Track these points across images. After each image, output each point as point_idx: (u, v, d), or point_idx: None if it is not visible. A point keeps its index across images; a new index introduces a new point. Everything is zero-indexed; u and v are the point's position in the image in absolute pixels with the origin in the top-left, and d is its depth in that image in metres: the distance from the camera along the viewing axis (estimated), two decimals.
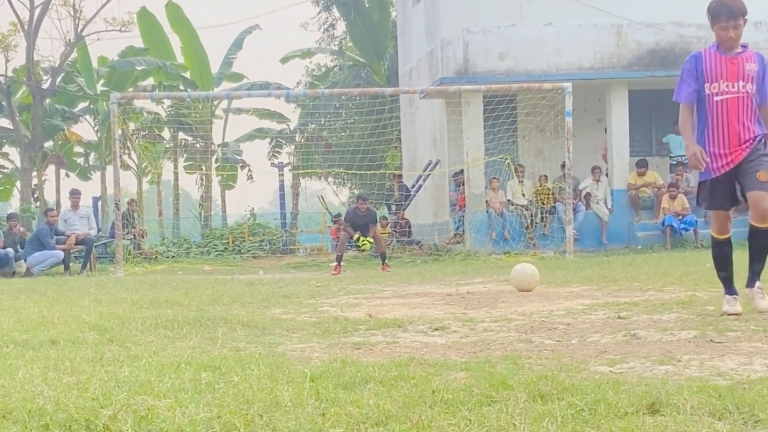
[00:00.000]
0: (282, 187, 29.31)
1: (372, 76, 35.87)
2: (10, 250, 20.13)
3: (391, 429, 3.55)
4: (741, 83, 7.43)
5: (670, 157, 23.97)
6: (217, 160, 35.24)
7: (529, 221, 22.54)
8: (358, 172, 28.01)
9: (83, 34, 31.08)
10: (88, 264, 20.55)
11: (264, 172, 35.03)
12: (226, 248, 25.48)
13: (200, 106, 33.48)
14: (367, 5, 34.65)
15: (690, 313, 7.55)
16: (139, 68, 32.47)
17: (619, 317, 7.53)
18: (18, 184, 34.48)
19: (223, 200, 37.09)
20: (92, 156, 37.74)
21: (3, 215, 26.88)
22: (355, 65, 37.67)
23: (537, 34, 22.71)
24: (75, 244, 20.56)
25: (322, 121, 38.05)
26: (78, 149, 37.86)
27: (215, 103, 34.03)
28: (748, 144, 7.38)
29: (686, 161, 23.41)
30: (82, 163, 37.68)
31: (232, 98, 32.54)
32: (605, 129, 24.06)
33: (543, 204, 22.71)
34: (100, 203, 32.26)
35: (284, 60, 36.07)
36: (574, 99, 20.81)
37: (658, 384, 4.29)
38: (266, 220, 29.72)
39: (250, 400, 4.05)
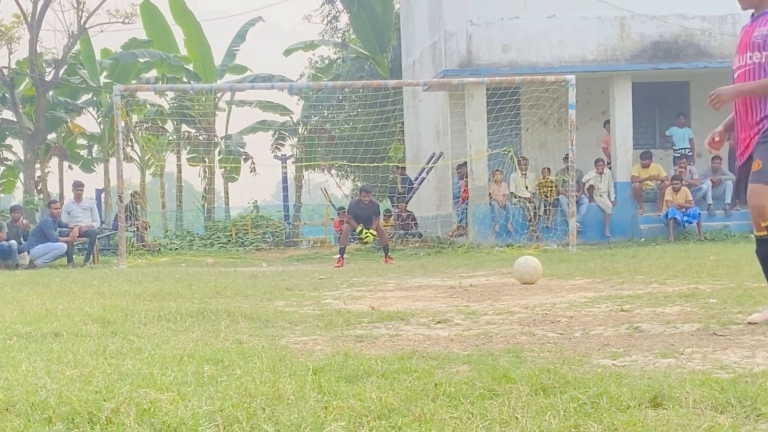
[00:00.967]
0: (285, 180, 29.31)
1: (375, 69, 35.84)
2: (13, 242, 20.12)
3: (393, 422, 3.55)
4: (748, 54, 6.45)
5: (674, 149, 23.93)
6: (220, 153, 35.23)
7: (532, 214, 22.52)
8: (361, 165, 28.00)
9: (86, 26, 31.12)
10: (91, 256, 20.55)
11: (267, 164, 34.92)
12: (229, 240, 25.50)
13: (203, 99, 33.47)
14: None
15: (693, 306, 7.54)
16: (142, 60, 32.48)
17: (621, 310, 7.54)
18: (21, 176, 34.53)
19: (226, 192, 37.10)
20: (95, 148, 37.74)
21: (6, 207, 26.89)
22: (358, 57, 37.63)
23: (540, 26, 22.67)
24: (78, 237, 20.56)
25: (325, 114, 38.03)
26: (81, 141, 37.87)
27: (218, 95, 34.02)
28: (759, 128, 6.41)
29: (689, 154, 23.44)
30: (85, 156, 37.69)
31: (235, 90, 32.49)
32: (604, 123, 24.01)
33: (546, 197, 22.69)
34: (103, 195, 32.27)
35: (287, 52, 36.02)
36: (577, 91, 20.79)
37: (660, 377, 4.29)
38: (269, 213, 29.75)
39: (252, 393, 4.05)
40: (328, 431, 3.43)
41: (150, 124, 35.49)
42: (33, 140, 30.49)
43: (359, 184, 32.62)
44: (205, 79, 32.58)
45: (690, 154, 23.69)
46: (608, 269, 12.49)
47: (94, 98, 34.90)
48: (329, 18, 42.57)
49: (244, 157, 35.62)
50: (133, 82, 32.33)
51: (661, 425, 3.39)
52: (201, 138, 34.58)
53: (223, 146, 35.18)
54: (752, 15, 6.53)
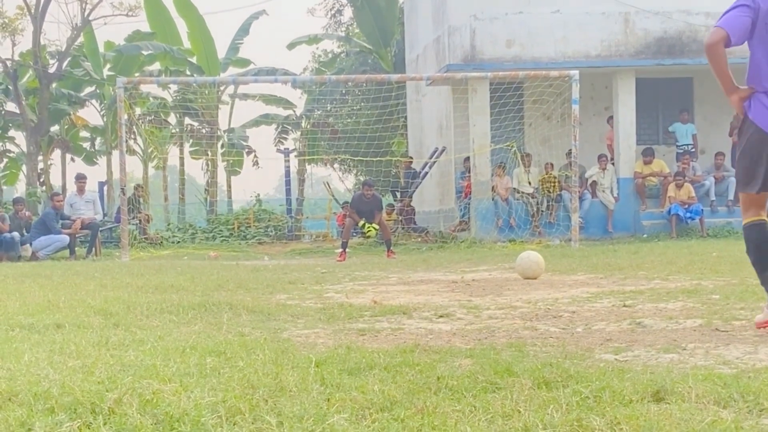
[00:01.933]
0: (288, 173, 29.30)
1: (379, 63, 35.81)
2: (15, 234, 20.13)
3: (395, 415, 3.55)
4: None
5: (677, 146, 23.91)
6: (223, 146, 35.22)
7: (534, 209, 22.51)
8: (364, 159, 27.96)
9: (90, 18, 31.06)
10: (94, 248, 20.56)
11: (270, 158, 35.07)
12: (232, 234, 25.49)
13: (206, 92, 33.45)
14: None
15: (695, 302, 7.54)
16: (145, 53, 32.46)
17: (624, 305, 7.53)
18: (24, 168, 34.53)
19: (229, 186, 37.10)
20: (98, 141, 37.73)
21: (9, 199, 26.88)
22: (361, 51, 37.60)
23: (544, 21, 22.64)
24: (80, 229, 20.58)
25: (329, 108, 38.01)
26: (84, 134, 37.85)
27: (221, 88, 33.98)
28: None
29: (692, 150, 23.41)
30: (88, 148, 37.67)
31: (238, 84, 32.46)
32: (608, 119, 24.00)
33: (549, 192, 22.68)
34: (105, 188, 32.26)
35: (291, 46, 35.99)
36: (581, 87, 20.77)
37: (663, 372, 4.29)
38: (272, 206, 29.72)
39: (255, 384, 4.06)
40: (330, 423, 3.43)
41: (153, 116, 35.47)
42: (36, 132, 30.47)
43: (362, 178, 32.58)
44: (209, 72, 32.56)
45: (693, 150, 23.68)
46: (611, 265, 12.48)
47: (98, 91, 34.87)
48: (333, 12, 42.57)
49: (246, 150, 35.62)
50: (137, 74, 32.31)
51: (664, 419, 3.39)
52: (204, 131, 34.55)
53: (226, 139, 35.17)
54: None
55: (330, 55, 42.32)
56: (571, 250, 17.69)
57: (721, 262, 12.03)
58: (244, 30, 35.63)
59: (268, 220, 26.67)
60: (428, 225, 25.22)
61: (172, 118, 36.58)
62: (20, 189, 39.87)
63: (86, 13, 30.84)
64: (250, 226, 26.08)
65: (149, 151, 36.02)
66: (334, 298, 8.80)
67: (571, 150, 21.08)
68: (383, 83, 27.30)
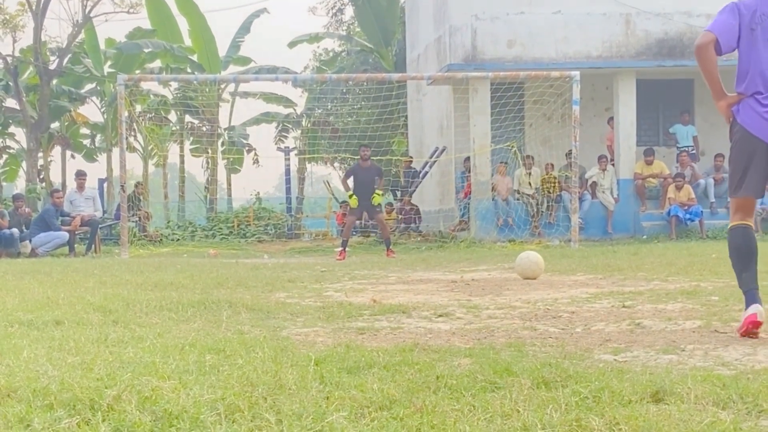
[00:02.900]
0: (288, 172, 29.31)
1: (379, 62, 35.81)
2: (15, 230, 20.13)
3: (394, 413, 3.55)
4: None
5: (677, 147, 23.93)
6: (223, 144, 35.22)
7: (534, 209, 22.52)
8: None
9: (91, 15, 31.05)
10: (93, 245, 20.57)
11: (270, 156, 34.94)
12: (231, 232, 25.51)
13: (207, 90, 33.45)
14: None
15: (694, 303, 7.54)
16: (146, 50, 32.45)
17: (623, 306, 7.53)
18: (24, 164, 34.55)
19: (229, 184, 37.11)
20: (98, 138, 37.75)
21: (9, 196, 26.90)
22: (362, 51, 37.60)
23: (545, 21, 22.65)
24: (80, 226, 20.58)
25: (329, 106, 38.01)
26: (84, 131, 37.87)
27: (222, 86, 33.98)
28: None
29: (693, 151, 23.41)
30: (88, 145, 37.69)
31: (239, 82, 32.42)
32: (608, 120, 24.02)
33: (549, 192, 22.68)
34: (105, 185, 32.27)
35: (292, 44, 35.98)
36: (581, 88, 20.78)
37: (662, 373, 4.30)
38: (272, 205, 29.74)
39: (254, 382, 4.06)
40: (329, 421, 3.43)
41: (153, 114, 35.49)
42: (36, 129, 30.46)
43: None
44: (209, 70, 32.56)
45: (693, 151, 23.69)
46: (610, 266, 12.48)
47: (98, 88, 34.90)
48: (334, 11, 42.58)
49: (247, 148, 35.61)
50: (137, 72, 32.30)
51: (663, 420, 3.39)
52: (204, 129, 34.55)
53: (227, 137, 35.17)
54: None
55: (331, 54, 42.33)
56: (570, 251, 17.69)
57: (721, 263, 12.02)
58: (245, 28, 35.63)
59: (268, 219, 26.69)
60: (428, 224, 25.22)
61: (173, 116, 36.60)
62: (20, 185, 39.88)
63: (87, 10, 30.83)
64: (249, 225, 26.09)
65: (149, 148, 36.05)
66: (334, 297, 8.80)
67: (571, 150, 21.09)
68: (384, 82, 27.32)
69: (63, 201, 21.08)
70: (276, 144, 35.75)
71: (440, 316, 7.18)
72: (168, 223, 29.00)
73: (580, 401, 3.70)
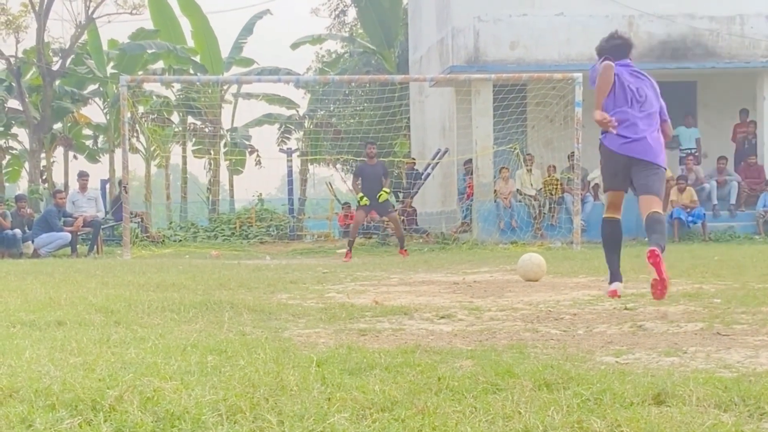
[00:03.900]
0: (290, 173, 29.31)
1: (382, 63, 35.82)
2: (17, 231, 20.16)
3: (396, 415, 3.55)
4: None
5: (680, 149, 23.93)
6: (225, 145, 35.26)
7: (537, 211, 22.51)
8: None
9: (94, 16, 31.07)
10: (95, 246, 20.58)
11: (272, 157, 34.89)
12: (234, 233, 25.52)
13: (210, 91, 33.47)
14: None
15: (697, 306, 7.54)
16: (149, 51, 32.49)
17: (625, 308, 7.53)
18: (26, 165, 34.55)
19: (231, 185, 37.13)
20: (101, 138, 37.78)
21: (11, 196, 26.92)
22: (365, 52, 37.60)
23: (548, 23, 22.66)
24: (82, 227, 20.59)
25: (332, 108, 38.02)
26: (87, 131, 37.90)
27: (225, 87, 34.00)
28: None
29: (696, 154, 23.43)
30: (90, 146, 37.72)
31: (241, 83, 32.45)
32: None
33: (551, 194, 22.68)
34: (108, 186, 32.29)
35: (294, 46, 36.00)
36: (584, 89, 20.76)
37: (664, 375, 4.29)
38: (274, 206, 29.76)
39: (256, 383, 4.06)
40: (331, 422, 3.43)
41: (156, 115, 35.51)
42: (39, 130, 30.49)
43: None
44: (212, 71, 32.59)
45: (696, 154, 23.68)
46: None
47: (101, 88, 34.92)
48: (337, 12, 42.64)
49: (249, 149, 35.63)
50: (140, 73, 32.34)
51: (665, 422, 3.39)
52: (207, 130, 34.58)
53: (229, 139, 35.21)
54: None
55: (333, 56, 42.35)
56: (572, 253, 17.69)
57: (723, 266, 12.03)
58: (247, 29, 35.67)
59: (270, 220, 26.69)
60: (430, 226, 25.21)
61: (175, 117, 36.63)
62: (22, 186, 39.90)
63: (90, 11, 30.85)
64: (252, 226, 26.10)
65: (152, 149, 36.06)
66: (336, 298, 8.80)
67: (573, 152, 21.08)
68: (386, 84, 27.33)
69: (65, 202, 21.09)
70: (278, 145, 35.79)
71: (442, 317, 7.18)
72: (170, 224, 29.02)
73: (581, 403, 3.70)
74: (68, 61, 32.05)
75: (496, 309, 7.75)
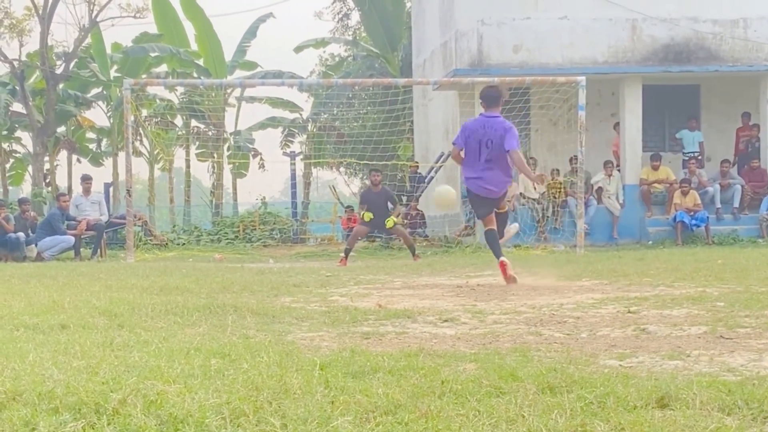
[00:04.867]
0: (293, 177, 29.32)
1: (386, 67, 35.84)
2: (21, 234, 20.17)
3: (400, 418, 3.55)
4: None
5: (683, 152, 23.92)
6: (229, 148, 35.28)
7: (540, 215, 22.51)
8: (370, 163, 27.97)
9: (97, 19, 31.12)
10: (99, 250, 20.59)
11: (276, 161, 34.98)
12: (237, 236, 25.52)
13: (213, 94, 33.50)
14: None
15: (700, 309, 7.53)
16: (152, 55, 32.51)
17: (629, 312, 7.52)
18: (30, 168, 34.57)
19: (235, 188, 37.17)
20: (104, 142, 37.81)
21: (15, 199, 26.93)
22: (368, 55, 37.63)
23: (552, 27, 22.66)
24: (86, 230, 20.59)
25: (335, 111, 38.05)
26: (90, 135, 37.93)
27: (228, 91, 34.04)
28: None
29: (699, 157, 23.47)
30: (94, 149, 37.75)
31: (245, 86, 32.53)
32: (614, 125, 24.03)
33: (555, 198, 22.68)
34: (111, 189, 32.31)
35: (298, 49, 36.04)
36: (587, 93, 20.74)
37: (667, 378, 4.29)
38: (277, 209, 29.73)
39: (259, 386, 4.06)
40: (335, 426, 3.43)
41: (159, 118, 35.53)
42: (42, 133, 30.52)
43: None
44: (216, 75, 32.62)
45: (700, 157, 23.67)
46: (616, 271, 12.46)
47: (104, 92, 34.95)
48: (340, 15, 42.65)
49: (252, 153, 35.65)
50: (144, 76, 32.37)
51: (668, 426, 3.39)
52: (210, 133, 34.61)
53: (232, 142, 35.22)
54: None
55: (337, 59, 42.39)
56: (576, 256, 17.68)
57: (726, 269, 12.01)
58: (251, 33, 35.69)
59: (274, 223, 26.68)
60: (433, 229, 25.21)
61: (179, 120, 36.67)
62: (26, 189, 39.93)
63: (94, 15, 30.90)
64: (255, 229, 26.10)
65: (155, 152, 36.09)
66: (339, 302, 8.79)
67: (576, 156, 21.07)
68: (390, 87, 27.34)
69: (69, 205, 21.11)
70: (282, 148, 35.81)
71: (445, 321, 7.18)
72: (173, 227, 29.03)
73: (585, 406, 3.70)
74: (72, 64, 32.09)
75: (499, 312, 7.75)
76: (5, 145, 36.34)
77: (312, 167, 36.67)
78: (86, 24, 30.94)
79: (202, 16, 33.04)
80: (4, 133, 34.76)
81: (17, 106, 33.35)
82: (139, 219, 23.37)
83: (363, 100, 37.45)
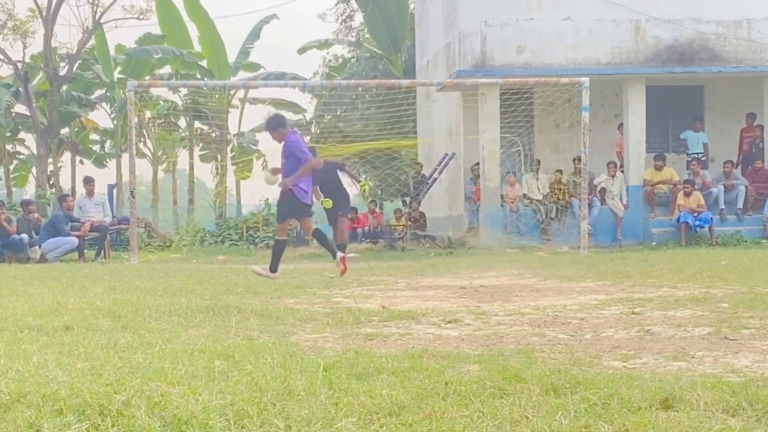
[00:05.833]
0: None
1: (389, 68, 35.82)
2: (25, 236, 20.17)
3: (403, 419, 3.55)
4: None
5: (687, 153, 23.89)
6: (232, 150, 35.24)
7: (543, 216, 22.48)
8: (373, 164, 27.99)
9: (101, 21, 31.10)
10: (103, 251, 20.59)
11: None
12: (240, 238, 25.51)
13: (217, 95, 33.47)
14: None
15: (704, 310, 7.52)
16: (156, 56, 32.49)
17: (632, 313, 7.52)
18: (34, 170, 34.57)
19: (238, 190, 37.13)
20: (108, 143, 37.78)
21: (18, 201, 26.93)
22: (372, 57, 37.61)
23: (555, 28, 22.64)
24: (89, 231, 20.60)
25: (338, 113, 38.01)
26: (94, 136, 37.90)
27: (232, 92, 34.00)
28: None
29: (702, 158, 23.45)
30: (97, 151, 37.72)
31: (248, 88, 32.47)
32: (618, 126, 24.02)
33: (558, 199, 22.65)
34: (115, 191, 32.30)
35: (301, 50, 36.02)
36: (591, 94, 20.74)
37: (671, 380, 4.29)
38: None
39: (263, 388, 4.06)
40: (339, 427, 3.43)
41: (163, 120, 35.51)
42: (46, 135, 30.52)
43: (371, 183, 32.59)
44: (219, 76, 32.60)
45: (703, 158, 23.65)
46: (619, 272, 12.46)
47: (108, 93, 34.94)
48: (344, 17, 42.62)
49: (256, 154, 35.62)
50: (147, 77, 32.36)
51: (672, 427, 3.39)
52: (214, 135, 34.59)
53: (236, 143, 35.19)
54: None
55: (340, 60, 42.36)
56: (579, 257, 17.67)
57: (730, 270, 12.01)
58: (254, 34, 35.65)
59: None
60: (437, 231, 25.18)
61: (182, 122, 36.62)
62: (30, 191, 39.93)
63: (97, 16, 30.87)
64: (259, 230, 26.08)
65: (159, 154, 36.07)
66: (343, 303, 8.80)
67: (580, 157, 21.06)
68: (393, 88, 27.31)
69: (73, 207, 21.10)
70: None
71: (449, 322, 7.18)
72: (177, 228, 29.01)
73: (589, 408, 3.70)
74: (75, 66, 32.06)
75: (503, 314, 7.75)
76: (9, 147, 36.32)
77: None
78: (90, 26, 30.93)
79: (206, 17, 33.01)
80: (8, 134, 34.76)
81: (21, 108, 33.33)
82: (142, 221, 23.39)
83: (366, 101, 37.37)
